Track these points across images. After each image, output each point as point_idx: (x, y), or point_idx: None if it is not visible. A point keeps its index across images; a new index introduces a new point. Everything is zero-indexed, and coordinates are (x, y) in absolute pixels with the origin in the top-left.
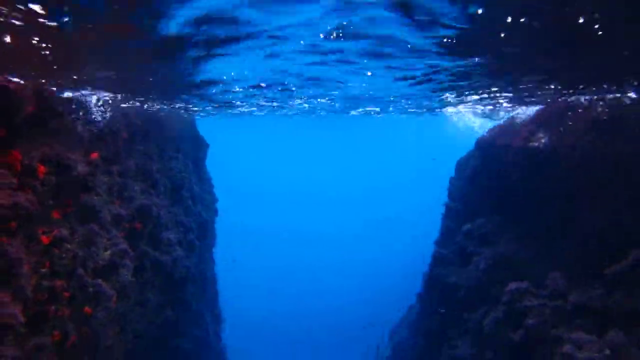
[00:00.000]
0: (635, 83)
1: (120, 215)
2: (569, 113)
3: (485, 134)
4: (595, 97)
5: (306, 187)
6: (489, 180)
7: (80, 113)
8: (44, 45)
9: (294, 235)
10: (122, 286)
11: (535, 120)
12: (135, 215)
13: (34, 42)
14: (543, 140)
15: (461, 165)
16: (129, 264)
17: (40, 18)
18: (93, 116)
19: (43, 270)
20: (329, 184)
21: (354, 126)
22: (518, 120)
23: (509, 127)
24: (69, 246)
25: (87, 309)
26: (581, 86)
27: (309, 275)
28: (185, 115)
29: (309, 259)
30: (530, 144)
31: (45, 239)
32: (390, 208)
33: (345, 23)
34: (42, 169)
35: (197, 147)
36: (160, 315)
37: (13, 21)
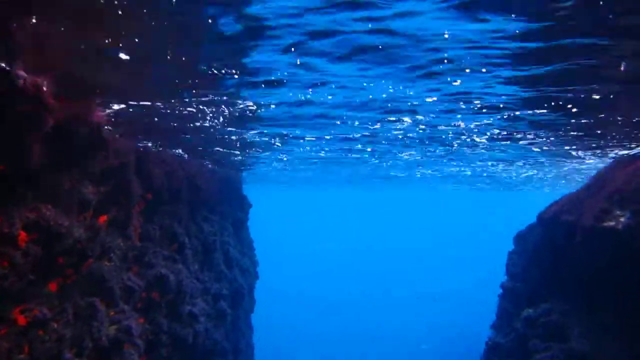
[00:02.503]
0: None
1: (132, 285)
2: None
3: (547, 207)
4: None
5: (357, 256)
6: (555, 259)
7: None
8: None
9: (341, 305)
10: None
11: (611, 195)
12: (153, 284)
13: None
14: (622, 220)
15: (521, 239)
16: (138, 342)
17: None
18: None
19: (21, 356)
20: (379, 254)
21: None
22: (585, 193)
23: (576, 202)
24: (55, 326)
25: None
26: None
27: (354, 347)
28: (228, 173)
29: (355, 329)
30: (606, 224)
31: (22, 320)
32: (446, 282)
33: None
34: (23, 236)
35: (239, 207)
36: None
37: None
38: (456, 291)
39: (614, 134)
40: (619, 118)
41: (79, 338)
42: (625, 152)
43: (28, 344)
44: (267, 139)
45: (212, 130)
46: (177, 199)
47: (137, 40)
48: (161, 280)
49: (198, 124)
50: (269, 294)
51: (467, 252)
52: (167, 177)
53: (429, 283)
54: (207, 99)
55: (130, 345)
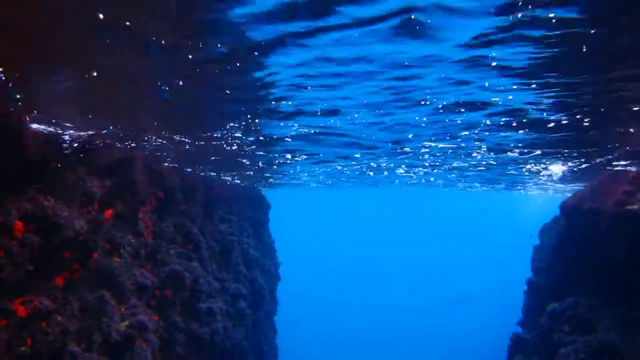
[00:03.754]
0: None
1: (145, 282)
2: None
3: (570, 197)
4: None
5: (378, 259)
6: (579, 251)
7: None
8: None
9: (362, 309)
10: None
11: (635, 179)
12: (167, 281)
13: None
14: None
15: (545, 232)
16: (151, 338)
17: None
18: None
19: (22, 348)
20: (399, 257)
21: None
22: (608, 180)
23: (599, 189)
24: (59, 318)
25: None
26: None
27: (376, 351)
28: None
29: (377, 334)
30: (628, 207)
31: (22, 311)
32: (467, 284)
33: None
34: (19, 226)
35: (258, 207)
36: None
37: None
38: (483, 292)
39: None
40: None
41: (86, 332)
42: None
43: (30, 335)
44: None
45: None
46: (192, 199)
47: None
48: (175, 278)
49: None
50: (293, 296)
51: (493, 251)
52: (180, 176)
53: (454, 285)
54: None
55: (143, 341)
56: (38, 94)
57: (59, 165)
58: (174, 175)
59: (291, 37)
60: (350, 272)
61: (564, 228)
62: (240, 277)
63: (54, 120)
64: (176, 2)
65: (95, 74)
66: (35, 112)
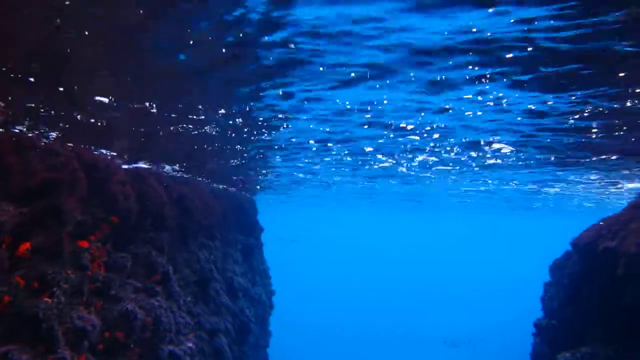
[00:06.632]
0: None
1: (84, 326)
2: None
3: (584, 231)
4: None
5: (376, 283)
6: (594, 294)
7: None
8: None
9: (361, 337)
10: None
11: None
12: (119, 321)
13: None
14: None
15: (556, 269)
16: None
17: None
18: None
19: None
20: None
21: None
22: (628, 213)
23: (616, 224)
24: None
25: None
26: None
27: None
28: (237, 195)
29: None
30: None
31: None
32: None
33: None
34: None
35: (249, 232)
36: None
37: None
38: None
39: None
40: None
41: None
42: None
43: None
44: None
45: None
46: (161, 225)
47: None
48: (126, 317)
49: None
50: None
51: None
52: (140, 199)
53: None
54: None
55: None
56: None
57: None
58: (131, 198)
59: None
60: (351, 300)
61: (577, 268)
62: (222, 309)
63: None
64: None
65: None
66: None
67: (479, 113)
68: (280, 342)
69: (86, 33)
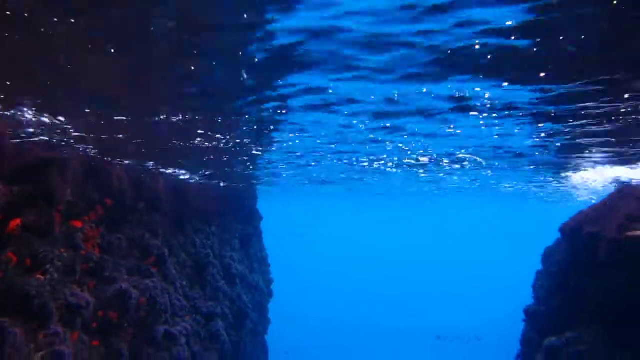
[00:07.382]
0: None
1: (78, 302)
2: None
3: (571, 217)
4: None
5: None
6: (581, 278)
7: None
8: None
9: (361, 329)
10: None
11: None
12: (112, 301)
13: None
14: None
15: (548, 257)
16: None
17: None
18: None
19: None
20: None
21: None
22: (615, 198)
23: (603, 209)
24: None
25: None
26: None
27: None
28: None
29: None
30: (631, 233)
31: None
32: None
33: None
34: None
35: (247, 220)
36: None
37: None
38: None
39: None
40: None
41: None
42: None
43: None
44: None
45: None
46: (155, 208)
47: None
48: (121, 297)
49: None
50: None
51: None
52: (134, 183)
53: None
54: None
55: None
56: None
57: None
58: (125, 180)
59: None
60: (351, 291)
61: (564, 254)
62: (219, 294)
63: None
64: None
65: None
66: None
67: None
68: (280, 332)
69: None
